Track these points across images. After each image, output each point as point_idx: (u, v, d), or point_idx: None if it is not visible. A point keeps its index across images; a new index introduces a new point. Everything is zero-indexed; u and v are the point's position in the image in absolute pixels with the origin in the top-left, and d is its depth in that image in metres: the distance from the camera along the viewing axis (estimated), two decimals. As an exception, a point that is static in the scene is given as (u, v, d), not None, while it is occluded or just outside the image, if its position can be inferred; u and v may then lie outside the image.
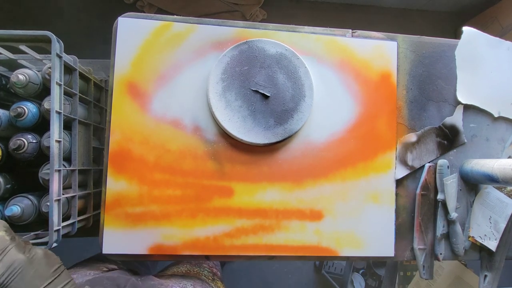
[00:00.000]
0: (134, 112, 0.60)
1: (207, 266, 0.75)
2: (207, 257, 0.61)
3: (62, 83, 0.55)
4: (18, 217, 0.54)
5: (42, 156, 0.57)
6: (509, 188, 0.70)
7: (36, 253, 0.39)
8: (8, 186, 0.58)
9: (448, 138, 0.68)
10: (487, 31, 0.70)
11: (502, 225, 0.68)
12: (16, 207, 0.54)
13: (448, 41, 0.70)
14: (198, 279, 0.65)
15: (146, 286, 0.55)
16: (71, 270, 0.60)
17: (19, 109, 0.55)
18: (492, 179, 0.60)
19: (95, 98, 0.69)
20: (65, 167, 0.57)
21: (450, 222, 0.66)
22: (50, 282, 0.37)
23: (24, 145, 0.55)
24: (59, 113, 0.54)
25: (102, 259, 0.67)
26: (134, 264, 0.75)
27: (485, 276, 0.69)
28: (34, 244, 0.51)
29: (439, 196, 0.65)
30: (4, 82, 0.61)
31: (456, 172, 0.68)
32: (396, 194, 0.65)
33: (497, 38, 0.71)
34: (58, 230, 0.53)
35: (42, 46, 0.56)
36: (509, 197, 0.69)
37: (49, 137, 0.53)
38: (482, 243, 0.67)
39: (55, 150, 0.53)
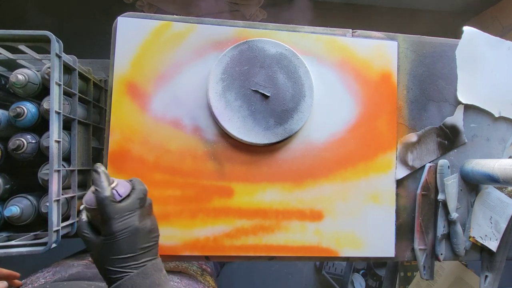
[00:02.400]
0: (133, 112, 0.60)
1: (196, 262, 0.75)
2: (207, 258, 0.60)
3: (62, 83, 0.55)
4: (17, 218, 0.54)
5: (41, 156, 0.57)
6: (510, 188, 0.69)
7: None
8: (7, 186, 0.58)
9: (449, 138, 0.68)
10: (488, 31, 0.70)
11: (503, 225, 0.68)
12: (16, 207, 0.54)
13: (449, 41, 0.69)
14: (185, 273, 0.65)
15: None
16: (55, 264, 0.59)
17: (18, 109, 0.55)
18: (492, 179, 0.60)
19: (94, 98, 0.69)
20: (65, 167, 0.57)
21: (450, 223, 0.66)
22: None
23: (23, 145, 0.55)
24: (58, 113, 0.54)
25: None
26: None
27: (486, 276, 0.69)
28: (32, 244, 0.51)
29: (440, 196, 0.65)
30: (3, 82, 0.61)
31: (457, 172, 0.68)
32: (397, 194, 0.65)
33: (498, 38, 0.71)
34: (57, 231, 0.53)
35: (42, 46, 0.56)
36: (510, 197, 0.69)
37: (48, 137, 0.53)
38: (483, 243, 0.67)
39: (55, 150, 0.52)
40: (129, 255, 0.37)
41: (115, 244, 0.37)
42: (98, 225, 0.39)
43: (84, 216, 0.40)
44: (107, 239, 0.37)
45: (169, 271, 0.65)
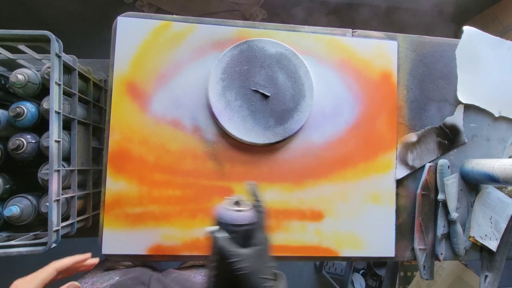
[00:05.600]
0: (133, 112, 0.60)
1: None
2: (207, 258, 0.60)
3: (61, 83, 0.55)
4: (17, 218, 0.54)
5: (41, 156, 0.57)
6: (509, 188, 0.69)
7: None
8: (7, 186, 0.58)
9: (449, 138, 0.68)
10: (488, 31, 0.70)
11: (503, 225, 0.68)
12: (15, 207, 0.54)
13: (449, 41, 0.69)
14: None
15: (169, 279, 0.56)
16: (89, 275, 0.58)
17: (18, 109, 0.55)
18: (492, 179, 0.60)
19: (94, 98, 0.69)
20: (64, 167, 0.57)
21: (450, 222, 0.66)
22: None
23: (23, 145, 0.55)
24: (58, 113, 0.54)
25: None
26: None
27: (486, 276, 0.69)
28: (32, 244, 0.51)
29: (440, 196, 0.65)
30: (3, 82, 0.61)
31: (457, 172, 0.68)
32: (397, 194, 0.65)
33: (498, 38, 0.71)
34: (57, 231, 0.53)
35: (41, 45, 0.56)
36: (510, 197, 0.69)
37: (48, 137, 0.53)
38: (483, 243, 0.67)
39: (54, 150, 0.52)
40: (270, 264, 0.39)
41: (265, 252, 0.38)
42: (239, 241, 0.38)
43: (223, 234, 0.38)
44: (262, 246, 0.38)
45: (201, 266, 0.65)
